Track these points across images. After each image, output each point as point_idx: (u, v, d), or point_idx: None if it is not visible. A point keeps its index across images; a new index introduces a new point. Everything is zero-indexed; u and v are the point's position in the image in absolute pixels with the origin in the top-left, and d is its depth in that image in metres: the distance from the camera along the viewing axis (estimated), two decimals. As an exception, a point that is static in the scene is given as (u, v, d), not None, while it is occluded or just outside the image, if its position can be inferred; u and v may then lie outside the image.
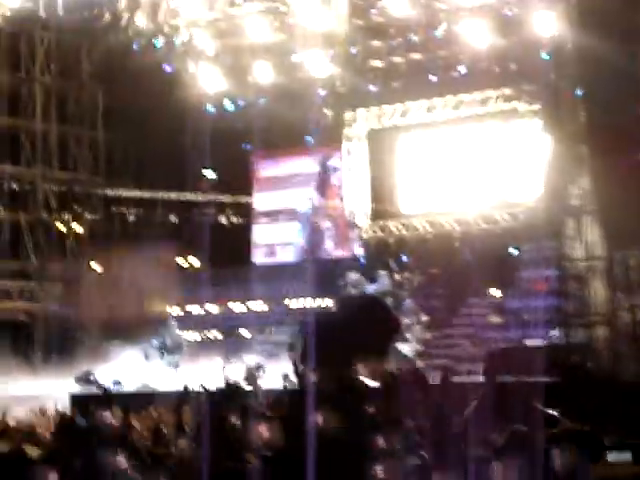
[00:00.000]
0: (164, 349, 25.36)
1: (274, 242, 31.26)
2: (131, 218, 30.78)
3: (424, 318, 25.15)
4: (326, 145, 30.03)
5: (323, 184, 30.89)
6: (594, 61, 21.56)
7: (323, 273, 28.95)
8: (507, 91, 26.65)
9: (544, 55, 23.85)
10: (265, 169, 31.77)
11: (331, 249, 30.63)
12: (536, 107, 25.37)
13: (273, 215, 31.40)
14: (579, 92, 22.86)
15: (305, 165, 30.93)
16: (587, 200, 21.57)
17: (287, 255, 30.92)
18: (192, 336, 28.68)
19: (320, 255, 30.42)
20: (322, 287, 28.52)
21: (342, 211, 30.33)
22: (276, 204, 31.36)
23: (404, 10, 24.37)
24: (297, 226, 31.04)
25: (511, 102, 26.67)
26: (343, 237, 30.56)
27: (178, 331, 25.72)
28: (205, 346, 27.19)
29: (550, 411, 16.60)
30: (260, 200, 31.66)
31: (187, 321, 29.05)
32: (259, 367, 22.34)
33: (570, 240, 21.50)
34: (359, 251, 29.93)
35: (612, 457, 11.10)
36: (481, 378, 19.53)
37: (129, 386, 22.71)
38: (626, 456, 11.22)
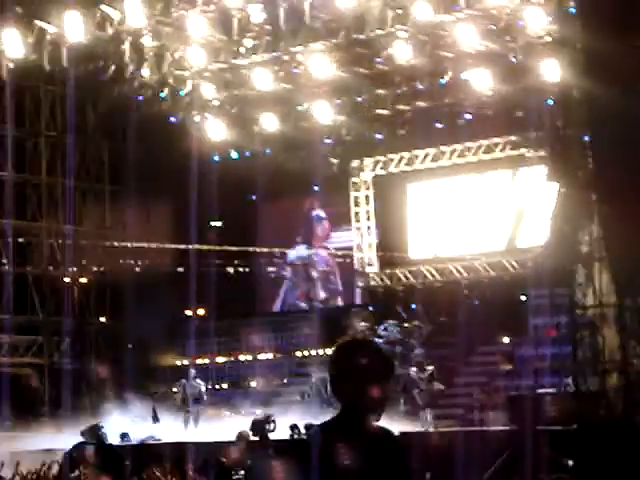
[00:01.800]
0: (185, 400, 25.16)
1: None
2: (137, 269, 30.66)
3: (432, 368, 24.84)
4: (333, 193, 30.06)
5: (310, 233, 30.87)
6: (600, 107, 21.51)
7: (332, 322, 28.79)
8: (513, 138, 26.64)
9: (550, 101, 23.83)
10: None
11: (322, 298, 30.54)
12: (543, 153, 25.31)
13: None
14: (586, 138, 22.78)
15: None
16: (597, 247, 21.40)
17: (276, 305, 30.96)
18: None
19: (314, 304, 30.37)
20: (331, 336, 28.34)
21: (332, 260, 30.30)
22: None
23: (409, 58, 24.39)
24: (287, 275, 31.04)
25: (518, 149, 26.64)
26: (335, 285, 30.51)
27: (199, 381, 25.53)
28: (215, 397, 26.95)
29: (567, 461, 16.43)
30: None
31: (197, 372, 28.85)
32: (268, 418, 22.17)
33: (580, 287, 21.30)
34: (365, 299, 29.79)
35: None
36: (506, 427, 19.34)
37: (138, 438, 22.50)
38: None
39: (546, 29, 22.93)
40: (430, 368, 23.84)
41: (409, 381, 24.84)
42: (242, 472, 17.02)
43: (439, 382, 23.90)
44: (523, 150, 26.46)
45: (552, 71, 23.16)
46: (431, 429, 22.12)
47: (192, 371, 25.90)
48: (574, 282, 21.33)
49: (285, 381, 28.82)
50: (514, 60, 23.83)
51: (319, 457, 5.21)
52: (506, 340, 26.08)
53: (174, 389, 25.86)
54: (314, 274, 30.91)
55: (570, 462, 17.23)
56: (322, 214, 30.63)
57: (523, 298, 26.49)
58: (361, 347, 5.39)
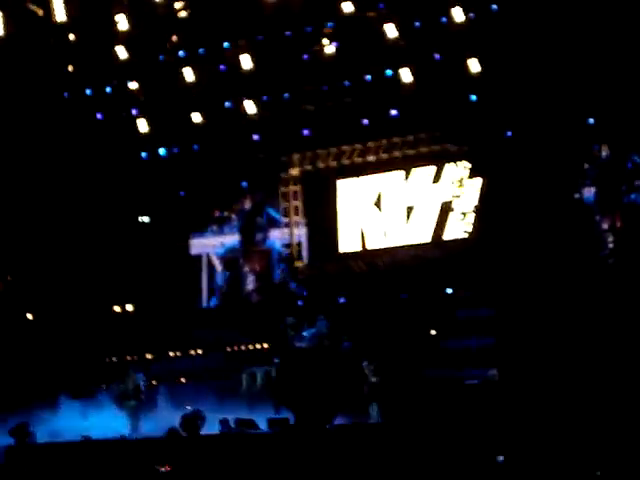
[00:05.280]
0: (124, 396, 25.08)
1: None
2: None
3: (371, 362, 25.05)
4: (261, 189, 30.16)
5: (248, 228, 30.92)
6: (522, 102, 21.94)
7: (261, 317, 28.91)
8: (438, 133, 26.94)
9: (472, 96, 24.22)
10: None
11: (255, 293, 30.64)
12: (466, 148, 25.69)
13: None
14: (508, 133, 23.24)
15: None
16: (518, 239, 21.85)
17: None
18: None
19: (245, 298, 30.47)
20: (260, 331, 28.47)
21: (268, 255, 30.41)
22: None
23: (334, 53, 24.61)
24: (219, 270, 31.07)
25: (442, 144, 26.96)
26: (269, 281, 30.61)
27: (139, 377, 25.45)
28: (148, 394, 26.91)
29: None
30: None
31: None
32: (198, 414, 22.24)
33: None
34: (296, 294, 29.93)
35: None
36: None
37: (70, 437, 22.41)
38: None
39: (469, 25, 23.31)
40: (375, 361, 24.09)
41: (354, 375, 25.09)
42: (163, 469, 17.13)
43: (381, 375, 24.14)
44: (448, 145, 26.79)
45: (475, 66, 23.54)
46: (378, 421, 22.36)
47: (131, 367, 25.86)
48: (497, 274, 21.76)
49: (215, 376, 28.85)
50: (437, 56, 24.17)
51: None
52: (433, 332, 26.40)
53: (114, 385, 25.79)
54: (245, 268, 30.99)
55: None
56: (264, 209, 30.72)
57: (449, 291, 26.86)
58: (307, 358, 5.60)
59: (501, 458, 17.27)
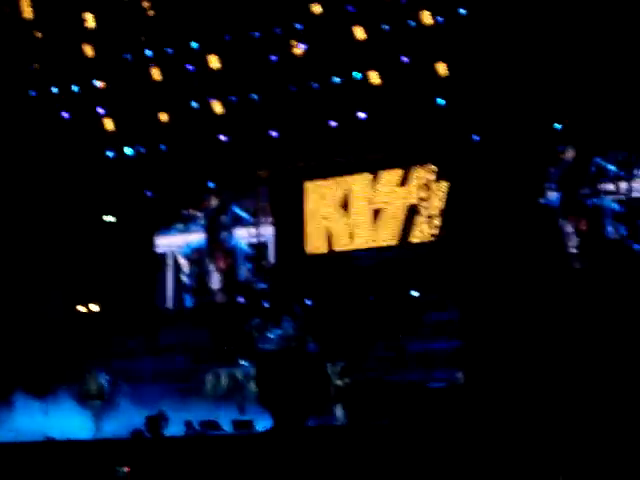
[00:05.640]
0: (87, 396, 24.92)
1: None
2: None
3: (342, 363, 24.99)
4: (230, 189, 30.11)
5: (213, 226, 30.83)
6: (489, 106, 22.02)
7: (226, 317, 28.84)
8: (406, 136, 26.96)
9: (440, 100, 24.27)
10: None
11: (221, 292, 30.56)
12: (433, 152, 25.75)
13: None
14: (475, 137, 23.30)
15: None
16: (484, 241, 21.94)
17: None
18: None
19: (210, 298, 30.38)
20: (225, 331, 28.40)
21: (233, 254, 30.35)
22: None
23: (303, 54, 24.58)
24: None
25: (410, 147, 26.98)
26: (234, 280, 30.54)
27: (103, 377, 25.29)
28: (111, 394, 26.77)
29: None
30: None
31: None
32: (162, 415, 22.17)
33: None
34: (262, 295, 29.88)
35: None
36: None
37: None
38: None
39: (437, 29, 23.36)
40: (340, 363, 24.06)
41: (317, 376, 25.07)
42: (124, 469, 17.07)
43: (348, 377, 24.12)
44: (415, 149, 26.83)
45: (442, 70, 23.59)
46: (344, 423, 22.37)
47: (95, 367, 25.73)
48: (463, 277, 21.84)
49: (179, 377, 28.73)
50: (405, 59, 24.20)
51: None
52: (399, 335, 26.43)
53: (77, 384, 25.63)
54: (210, 268, 30.89)
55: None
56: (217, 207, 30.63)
57: (415, 294, 26.90)
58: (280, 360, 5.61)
59: None
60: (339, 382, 23.82)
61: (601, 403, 17.32)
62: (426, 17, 23.72)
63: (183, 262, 31.11)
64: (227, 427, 21.22)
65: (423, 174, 26.72)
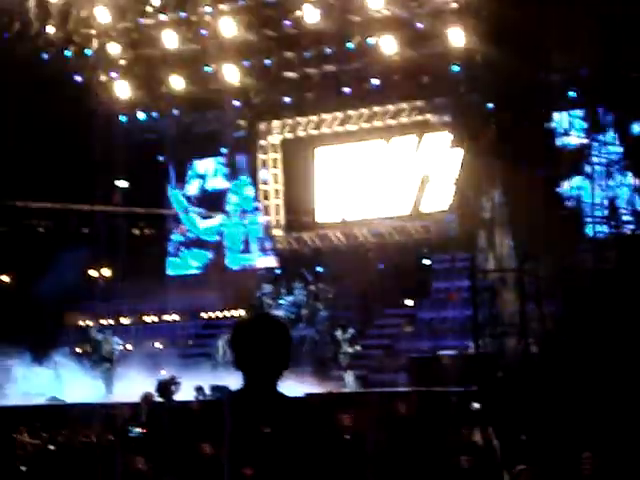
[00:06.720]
0: (97, 359, 25.01)
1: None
2: (41, 230, 30.26)
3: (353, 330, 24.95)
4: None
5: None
6: (504, 74, 21.81)
7: (239, 284, 28.86)
8: (419, 103, 26.85)
9: (455, 67, 24.10)
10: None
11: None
12: (447, 119, 25.59)
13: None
14: (490, 105, 23.07)
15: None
16: (498, 213, 21.77)
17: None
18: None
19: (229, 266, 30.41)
20: (237, 298, 28.42)
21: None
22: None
23: (317, 21, 24.40)
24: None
25: (423, 114, 26.88)
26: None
27: (114, 341, 25.38)
28: (123, 358, 26.86)
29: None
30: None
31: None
32: (173, 380, 22.16)
33: (482, 252, 21.67)
34: (274, 262, 29.89)
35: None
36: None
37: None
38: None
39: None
40: (351, 330, 24.08)
41: (322, 342, 25.13)
42: (138, 429, 17.08)
43: (358, 344, 24.17)
44: (429, 116, 26.70)
45: (457, 37, 23.41)
46: (355, 390, 22.43)
47: (106, 330, 25.84)
48: (476, 247, 21.73)
49: (190, 342, 28.80)
50: (420, 26, 24.03)
51: (230, 422, 5.36)
52: (410, 303, 26.43)
53: (87, 348, 25.69)
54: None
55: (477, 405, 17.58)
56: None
57: (427, 262, 26.87)
58: (258, 325, 5.56)
59: (476, 405, 17.31)
60: (349, 349, 23.87)
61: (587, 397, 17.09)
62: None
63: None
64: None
65: (437, 141, 26.61)
